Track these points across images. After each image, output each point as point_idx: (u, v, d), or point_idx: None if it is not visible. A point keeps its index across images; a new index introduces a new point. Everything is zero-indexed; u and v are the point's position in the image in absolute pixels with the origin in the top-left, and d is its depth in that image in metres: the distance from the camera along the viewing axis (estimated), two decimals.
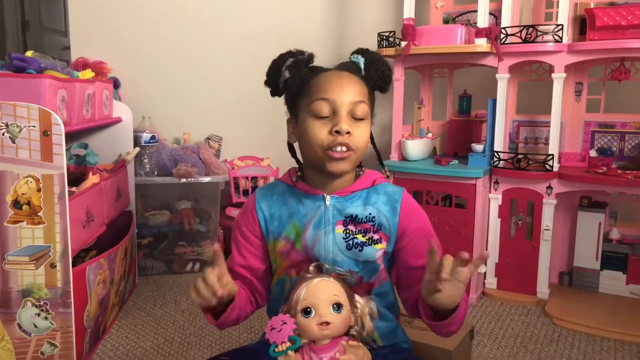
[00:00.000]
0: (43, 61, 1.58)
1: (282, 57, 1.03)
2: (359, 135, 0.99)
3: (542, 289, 2.05)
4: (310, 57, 1.04)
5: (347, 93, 0.98)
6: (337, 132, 0.96)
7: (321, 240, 1.02)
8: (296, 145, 1.09)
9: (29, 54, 1.61)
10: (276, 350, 0.87)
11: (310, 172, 1.05)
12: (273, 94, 1.06)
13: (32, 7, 2.40)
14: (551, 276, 2.10)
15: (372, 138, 1.08)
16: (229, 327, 1.05)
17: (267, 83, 1.05)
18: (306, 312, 0.91)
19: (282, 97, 1.07)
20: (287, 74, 1.01)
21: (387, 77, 1.05)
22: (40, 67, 1.53)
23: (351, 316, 0.95)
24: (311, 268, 0.98)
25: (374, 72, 1.04)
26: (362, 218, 1.03)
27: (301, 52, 1.03)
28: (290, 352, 0.87)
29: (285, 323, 0.88)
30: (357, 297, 0.98)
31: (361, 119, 1.00)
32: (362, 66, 1.04)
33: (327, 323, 0.90)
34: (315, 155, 0.99)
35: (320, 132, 0.97)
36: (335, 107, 0.97)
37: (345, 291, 0.95)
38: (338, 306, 0.92)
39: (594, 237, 2.06)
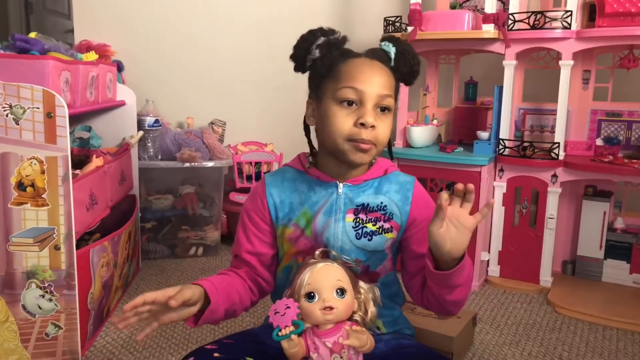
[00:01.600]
0: (46, 42, 1.57)
1: (313, 34, 0.99)
2: (383, 130, 0.96)
3: (545, 277, 2.05)
4: (344, 39, 1.01)
5: (376, 85, 0.95)
6: (362, 124, 0.93)
7: (331, 227, 1.01)
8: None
9: (32, 35, 1.60)
10: (279, 334, 0.87)
11: (325, 158, 1.03)
12: (297, 69, 1.02)
13: None
14: (554, 265, 2.10)
15: None
16: (221, 321, 1.03)
17: (292, 57, 1.01)
18: (310, 296, 0.91)
19: (300, 74, 1.03)
20: (317, 53, 0.98)
21: (415, 71, 1.02)
22: (43, 49, 1.52)
23: (354, 301, 0.95)
24: (317, 253, 0.98)
25: (403, 65, 1.00)
26: (373, 207, 1.02)
27: (333, 32, 1.00)
28: (293, 336, 0.87)
29: (288, 307, 0.88)
30: (360, 283, 0.98)
31: (386, 113, 0.97)
32: (392, 56, 1.00)
33: (331, 308, 0.90)
34: (335, 144, 0.96)
35: (345, 121, 0.94)
36: (362, 98, 0.94)
37: (348, 276, 0.95)
38: (341, 291, 0.92)
39: (598, 226, 2.05)
